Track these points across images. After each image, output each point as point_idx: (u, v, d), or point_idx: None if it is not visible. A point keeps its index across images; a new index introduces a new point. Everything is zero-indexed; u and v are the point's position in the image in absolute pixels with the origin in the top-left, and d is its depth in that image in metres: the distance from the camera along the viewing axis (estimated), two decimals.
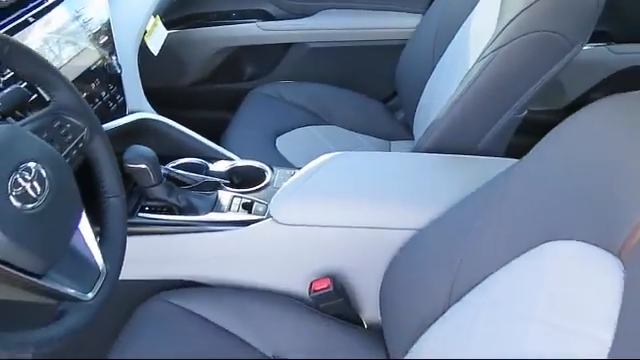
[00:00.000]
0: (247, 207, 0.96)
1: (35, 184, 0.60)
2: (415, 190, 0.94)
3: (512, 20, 0.92)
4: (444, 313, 0.79)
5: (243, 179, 1.04)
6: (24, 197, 0.59)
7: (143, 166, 0.89)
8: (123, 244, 0.74)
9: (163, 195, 0.94)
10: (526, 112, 1.02)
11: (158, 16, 1.31)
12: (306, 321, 0.95)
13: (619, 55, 1.46)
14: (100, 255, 0.70)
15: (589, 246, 0.62)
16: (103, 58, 1.00)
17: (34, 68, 0.67)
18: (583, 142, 0.67)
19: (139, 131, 1.03)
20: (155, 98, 1.13)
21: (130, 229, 0.80)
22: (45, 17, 0.90)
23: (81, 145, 0.71)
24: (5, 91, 0.73)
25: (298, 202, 0.93)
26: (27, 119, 0.67)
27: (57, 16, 0.93)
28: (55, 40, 0.91)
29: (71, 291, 0.64)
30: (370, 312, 0.99)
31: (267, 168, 1.05)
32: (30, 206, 0.59)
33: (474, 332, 0.73)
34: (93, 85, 0.96)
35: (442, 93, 1.13)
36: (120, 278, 0.75)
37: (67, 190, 0.65)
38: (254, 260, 0.97)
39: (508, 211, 0.75)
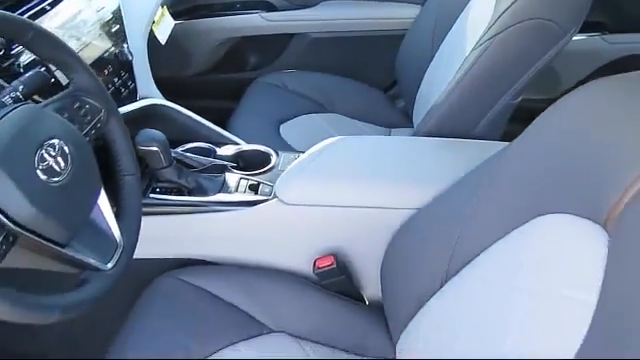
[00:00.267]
0: (253, 188, 1.00)
1: (59, 159, 0.64)
2: (414, 171, 0.98)
3: (507, 8, 0.96)
4: (442, 287, 0.83)
5: (249, 163, 1.07)
6: (49, 171, 0.63)
7: (154, 148, 0.93)
8: (139, 219, 0.78)
9: (173, 177, 0.98)
10: (521, 98, 1.06)
11: (166, 7, 1.35)
12: (310, 297, 0.99)
13: (613, 45, 1.49)
14: (118, 229, 0.74)
15: (577, 218, 0.66)
16: (115, 46, 1.04)
17: (55, 52, 0.71)
18: (570, 123, 0.71)
19: (149, 116, 1.07)
20: (161, 87, 1.17)
21: (142, 209, 0.85)
22: (60, 5, 0.94)
23: (99, 125, 0.75)
24: (27, 75, 0.77)
25: (302, 183, 0.98)
26: (49, 100, 0.71)
27: (72, 5, 0.97)
28: (70, 28, 0.95)
29: (92, 261, 0.68)
30: (371, 289, 1.03)
31: (272, 152, 1.09)
32: (55, 179, 0.63)
33: (470, 304, 0.77)
34: (106, 71, 1.00)
35: (441, 81, 1.17)
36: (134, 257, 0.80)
37: (87, 166, 0.69)
38: (260, 239, 1.01)
39: (501, 189, 0.79)
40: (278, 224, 0.99)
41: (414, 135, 1.13)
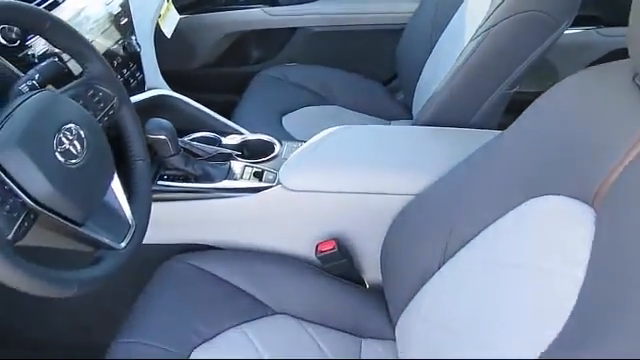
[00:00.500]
0: (258, 175, 1.04)
1: (76, 143, 0.68)
2: (413, 159, 1.02)
3: (503, 1, 1.00)
4: (440, 269, 0.87)
5: (253, 151, 1.11)
6: (67, 154, 0.67)
7: (162, 137, 0.96)
8: (149, 201, 0.82)
9: (180, 164, 1.01)
10: (517, 88, 1.09)
11: (171, 1, 1.38)
12: (312, 280, 1.02)
13: (608, 38, 1.53)
14: (130, 211, 0.78)
15: (567, 199, 0.69)
16: (123, 38, 1.07)
17: (71, 42, 0.75)
18: (559, 110, 0.75)
19: (157, 106, 1.10)
20: (166, 80, 1.20)
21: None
22: None
23: (111, 112, 0.79)
24: (42, 64, 0.80)
25: (305, 170, 1.01)
26: (64, 88, 0.75)
27: None
28: (80, 20, 0.98)
29: (106, 240, 0.72)
30: (372, 273, 1.07)
31: (276, 141, 1.12)
32: (72, 162, 0.67)
33: (466, 283, 0.81)
34: (115, 63, 1.03)
35: (440, 73, 1.20)
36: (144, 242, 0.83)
37: (102, 151, 0.73)
38: (264, 224, 1.04)
39: (496, 174, 0.83)
40: (281, 210, 1.02)
41: (413, 124, 1.16)
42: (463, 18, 1.21)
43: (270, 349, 0.91)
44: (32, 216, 0.63)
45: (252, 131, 1.20)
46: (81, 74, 0.79)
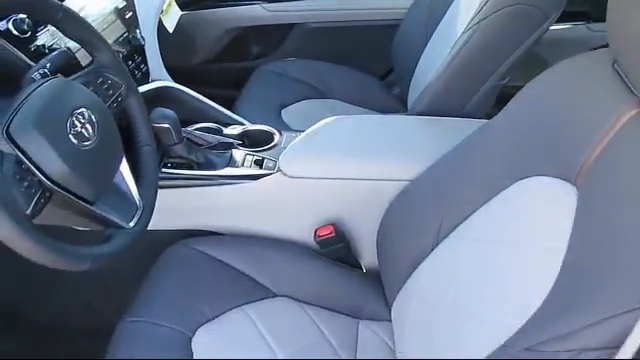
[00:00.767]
0: (258, 163, 1.08)
1: (87, 126, 0.72)
2: (408, 146, 1.06)
3: None
4: (433, 250, 0.91)
5: (254, 141, 1.14)
6: (80, 136, 0.71)
7: (166, 125, 1.00)
8: (156, 184, 0.86)
9: (184, 153, 1.05)
10: (507, 79, 1.13)
11: None
12: (311, 264, 1.06)
13: (597, 33, 1.57)
14: (137, 193, 0.82)
15: (550, 179, 0.74)
16: (128, 31, 1.11)
17: (81, 32, 0.79)
18: (544, 96, 0.79)
19: (161, 97, 1.14)
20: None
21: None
22: None
23: (120, 99, 0.83)
24: (53, 54, 0.84)
25: (304, 157, 1.05)
26: (75, 75, 0.79)
27: None
28: (87, 13, 1.02)
29: (115, 219, 0.76)
30: (368, 257, 1.11)
31: (275, 131, 1.16)
32: (85, 144, 0.71)
33: (458, 262, 0.85)
34: (120, 55, 1.07)
35: (434, 66, 1.24)
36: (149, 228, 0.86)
37: (112, 135, 0.77)
38: (265, 210, 1.08)
39: (486, 159, 0.87)
40: (281, 196, 1.06)
41: (408, 114, 1.20)
42: (456, 12, 1.25)
43: (271, 329, 0.95)
44: (47, 194, 0.67)
45: (252, 123, 1.24)
46: (90, 63, 0.82)
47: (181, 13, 1.50)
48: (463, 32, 1.09)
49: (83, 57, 0.93)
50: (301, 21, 1.75)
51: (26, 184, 0.63)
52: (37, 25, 0.91)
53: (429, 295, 0.88)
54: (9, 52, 0.85)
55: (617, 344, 0.50)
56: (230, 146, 1.12)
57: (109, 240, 0.74)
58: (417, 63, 1.41)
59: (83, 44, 0.81)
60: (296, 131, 1.16)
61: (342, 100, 1.56)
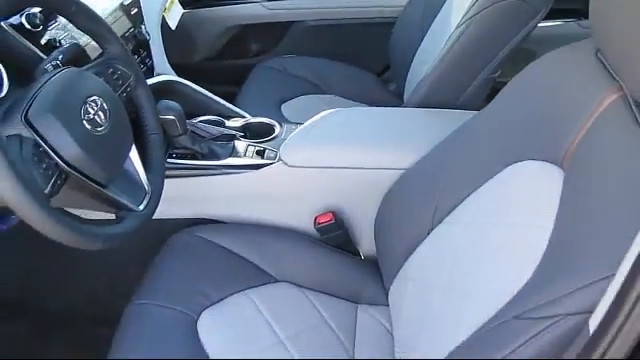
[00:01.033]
0: (260, 153, 1.12)
1: (100, 113, 0.76)
2: (404, 136, 1.10)
3: None
4: (428, 235, 0.95)
5: (255, 133, 1.18)
6: (93, 122, 0.74)
7: (171, 117, 1.03)
8: (163, 171, 0.90)
9: (188, 143, 1.09)
10: (499, 72, 1.18)
11: None
12: (311, 251, 1.10)
13: (587, 30, 1.60)
14: (146, 178, 0.86)
15: (539, 162, 0.78)
16: (134, 27, 1.15)
17: (93, 24, 0.83)
18: (532, 85, 0.83)
19: (165, 91, 1.18)
20: None
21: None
22: None
23: (129, 89, 0.86)
24: (64, 46, 0.88)
25: (304, 147, 1.09)
26: (87, 66, 0.83)
27: None
28: (95, 9, 1.06)
29: (126, 202, 0.80)
30: (366, 245, 1.15)
31: (276, 123, 1.20)
32: (98, 129, 0.75)
33: (452, 244, 0.89)
34: None
35: (429, 60, 1.28)
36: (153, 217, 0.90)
37: (122, 122, 0.81)
38: (266, 198, 1.12)
39: (477, 146, 0.91)
40: (282, 185, 1.10)
41: (405, 106, 1.24)
42: (450, 9, 1.29)
43: (273, 312, 0.99)
44: (63, 176, 0.71)
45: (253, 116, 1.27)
46: (100, 55, 0.86)
47: (183, 11, 1.54)
48: (457, 27, 1.14)
49: (92, 51, 0.98)
50: (300, 19, 1.79)
51: (44, 166, 0.67)
52: (48, 19, 0.95)
53: (424, 277, 0.91)
54: (22, 45, 0.90)
55: (594, 308, 0.54)
56: (232, 137, 1.15)
57: (120, 221, 0.78)
58: (413, 59, 1.45)
59: (94, 36, 0.84)
60: (296, 123, 1.20)
61: (340, 96, 1.60)
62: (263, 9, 1.78)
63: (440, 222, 0.93)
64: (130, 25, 1.14)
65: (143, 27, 1.17)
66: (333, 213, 1.09)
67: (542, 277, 0.66)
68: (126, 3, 1.15)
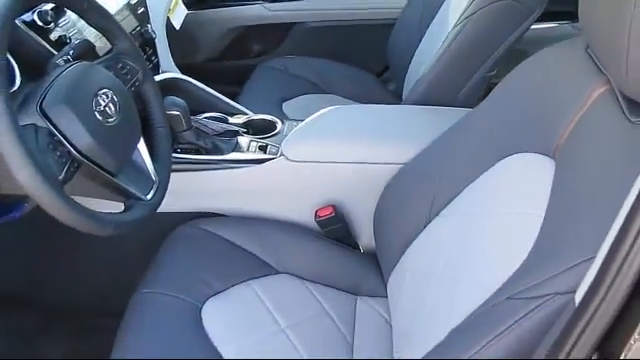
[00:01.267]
0: (262, 149, 1.15)
1: (110, 105, 0.79)
2: (402, 132, 1.14)
3: None
4: (425, 228, 0.98)
5: (257, 129, 1.21)
6: (104, 113, 0.78)
7: (177, 113, 1.06)
8: (169, 162, 0.93)
9: (192, 139, 1.12)
10: (495, 71, 1.21)
11: None
12: (312, 244, 1.13)
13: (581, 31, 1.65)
14: (153, 169, 0.89)
15: (532, 154, 0.81)
16: (140, 25, 1.19)
17: (103, 21, 0.86)
18: (524, 82, 0.87)
19: (170, 88, 1.21)
20: None
21: None
22: None
23: (137, 83, 0.90)
24: (75, 42, 0.91)
25: (306, 142, 1.12)
26: (97, 61, 0.86)
27: None
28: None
29: (134, 191, 0.83)
30: (365, 239, 1.17)
31: (278, 120, 1.23)
32: (109, 121, 0.78)
33: (448, 235, 0.92)
34: None
35: (427, 61, 1.32)
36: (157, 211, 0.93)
37: (131, 114, 0.84)
38: (268, 192, 1.15)
39: (473, 141, 0.94)
40: (284, 179, 1.13)
41: (403, 104, 1.27)
42: (447, 10, 1.33)
43: (275, 302, 1.01)
44: (76, 164, 0.74)
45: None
46: (110, 50, 0.90)
47: (187, 12, 1.57)
48: (454, 27, 1.17)
49: (100, 47, 1.01)
50: (301, 20, 1.83)
51: (58, 153, 0.70)
52: (58, 17, 0.98)
53: (421, 268, 0.94)
54: (34, 41, 0.93)
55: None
56: (236, 133, 1.18)
57: (129, 210, 0.81)
58: (411, 60, 1.49)
59: (104, 32, 0.88)
60: (297, 120, 1.23)
61: (340, 95, 1.64)
62: (265, 10, 1.82)
63: (437, 215, 0.96)
64: (137, 24, 1.18)
65: (149, 26, 1.20)
66: (333, 207, 1.12)
67: (534, 261, 0.69)
68: (133, 2, 1.18)
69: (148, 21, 1.22)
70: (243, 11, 1.83)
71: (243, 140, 1.17)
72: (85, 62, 0.82)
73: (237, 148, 1.15)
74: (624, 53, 0.61)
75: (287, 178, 1.13)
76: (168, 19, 1.44)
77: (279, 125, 1.21)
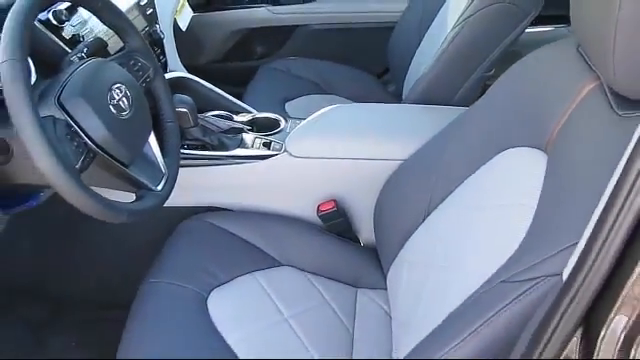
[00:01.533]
0: (266, 145, 1.18)
1: (124, 99, 0.83)
2: (402, 129, 1.17)
3: None
4: (423, 221, 1.01)
5: (261, 127, 1.25)
6: (118, 107, 0.81)
7: (184, 110, 1.10)
8: (178, 156, 0.97)
9: (199, 135, 1.15)
10: (492, 72, 1.25)
11: None
12: (314, 238, 1.16)
13: None
14: (163, 162, 0.92)
15: (526, 148, 0.85)
16: (149, 26, 1.23)
17: (116, 19, 0.90)
18: (518, 80, 0.90)
19: (178, 86, 1.25)
20: None
21: None
22: None
23: (148, 80, 0.94)
24: (88, 40, 0.95)
25: (309, 139, 1.16)
26: (111, 57, 0.90)
27: None
28: None
29: (146, 182, 0.86)
30: (366, 233, 1.21)
31: (281, 118, 1.27)
32: (122, 114, 0.82)
33: (444, 227, 0.95)
34: None
35: (426, 60, 1.36)
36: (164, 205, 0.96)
37: (143, 108, 0.88)
38: (272, 187, 1.19)
39: (470, 137, 0.98)
40: (287, 174, 1.17)
41: (403, 102, 1.31)
42: (445, 13, 1.37)
43: (278, 292, 1.05)
44: (91, 154, 0.77)
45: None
46: (122, 48, 0.94)
47: (193, 14, 1.61)
48: (452, 28, 1.21)
49: (112, 46, 1.05)
50: (303, 23, 1.88)
51: (75, 144, 0.74)
52: (71, 16, 1.02)
53: (419, 260, 0.97)
54: (49, 39, 0.97)
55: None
56: (240, 131, 1.22)
57: (141, 199, 0.85)
58: (411, 62, 1.53)
59: (117, 30, 0.92)
60: (300, 119, 1.27)
61: (341, 96, 1.67)
62: (268, 13, 1.86)
63: (435, 209, 1.00)
64: (145, 24, 1.22)
65: (157, 26, 1.24)
66: (335, 201, 1.16)
67: (526, 247, 0.73)
68: (142, 3, 1.22)
69: (156, 22, 1.26)
70: (247, 14, 1.87)
71: (248, 137, 1.20)
72: (99, 59, 0.86)
73: (242, 144, 1.18)
74: (611, 51, 0.65)
75: (290, 173, 1.16)
76: (175, 21, 1.48)
77: (282, 123, 1.25)
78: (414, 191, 1.04)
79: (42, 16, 0.97)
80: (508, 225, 0.80)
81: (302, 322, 1.01)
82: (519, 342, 0.60)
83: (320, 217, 1.17)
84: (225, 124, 1.22)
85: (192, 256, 1.08)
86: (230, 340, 0.95)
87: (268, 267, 1.10)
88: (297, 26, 1.89)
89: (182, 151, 1.15)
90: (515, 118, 0.88)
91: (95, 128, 0.77)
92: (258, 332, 0.97)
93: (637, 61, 0.63)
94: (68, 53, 0.93)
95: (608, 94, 0.71)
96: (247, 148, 1.18)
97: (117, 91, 0.82)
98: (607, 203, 0.52)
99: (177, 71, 1.28)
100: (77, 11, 1.04)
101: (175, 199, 0.98)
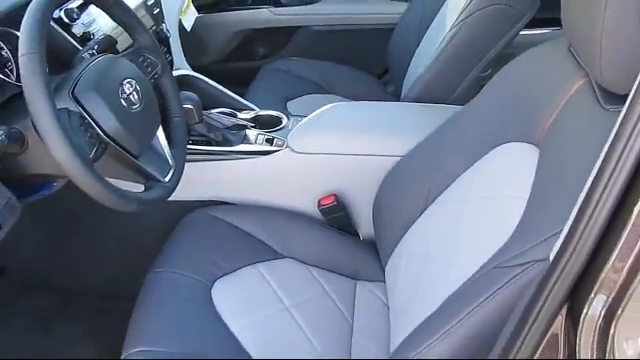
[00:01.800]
0: (269, 141, 1.22)
1: (134, 93, 0.87)
2: (401, 127, 1.21)
3: None
4: (421, 215, 1.05)
5: (264, 124, 1.28)
6: (129, 101, 0.85)
7: (190, 106, 1.14)
8: (185, 149, 1.00)
9: (204, 131, 1.19)
10: (489, 72, 1.29)
11: None
12: (315, 231, 1.20)
13: None
14: (170, 155, 0.96)
15: (519, 143, 0.88)
16: (156, 25, 1.26)
17: (126, 17, 0.94)
18: (512, 79, 0.94)
19: (183, 84, 1.28)
20: None
21: None
22: None
23: (156, 76, 0.97)
24: (99, 37, 0.99)
25: (310, 135, 1.19)
26: (121, 53, 0.93)
27: None
28: None
29: (154, 173, 0.90)
30: (365, 227, 1.24)
31: (284, 116, 1.30)
32: (133, 107, 0.85)
33: (441, 220, 0.99)
34: None
35: (425, 60, 1.39)
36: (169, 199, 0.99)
37: (152, 103, 0.91)
38: (274, 182, 1.22)
39: (466, 133, 1.01)
40: (289, 169, 1.20)
41: (402, 101, 1.35)
42: (444, 15, 1.41)
43: (280, 283, 1.08)
44: (104, 145, 0.81)
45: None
46: (131, 45, 0.97)
47: (197, 15, 1.65)
48: (450, 29, 1.25)
49: (121, 44, 1.08)
50: (305, 24, 1.92)
51: (89, 135, 0.78)
52: (81, 13, 1.05)
53: (416, 252, 1.01)
54: (61, 36, 1.00)
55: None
56: (244, 127, 1.26)
57: (149, 190, 0.88)
58: (410, 63, 1.56)
59: (126, 27, 0.95)
60: (302, 116, 1.30)
61: (342, 95, 1.71)
62: (271, 15, 1.90)
63: (432, 203, 1.03)
64: (152, 23, 1.25)
65: (164, 25, 1.28)
66: (335, 196, 1.19)
67: (518, 236, 0.76)
68: (149, 3, 1.26)
69: (163, 21, 1.29)
70: (250, 15, 1.91)
71: (251, 133, 1.24)
72: (110, 55, 0.89)
73: (245, 140, 1.22)
74: (598, 48, 0.69)
75: (292, 169, 1.20)
76: (180, 21, 1.52)
77: (285, 120, 1.29)
78: (412, 186, 1.08)
79: (54, 14, 1.00)
80: (502, 216, 0.83)
81: (303, 312, 1.04)
82: (509, 320, 0.64)
83: (320, 211, 1.20)
84: (229, 121, 1.26)
85: (197, 247, 1.12)
86: (234, 328, 0.98)
87: (270, 259, 1.13)
88: (299, 27, 1.93)
89: (187, 146, 1.19)
90: (509, 115, 0.92)
91: (107, 120, 0.80)
92: (261, 320, 1.01)
93: (623, 57, 0.67)
94: (79, 50, 0.97)
95: (596, 90, 0.75)
96: (250, 144, 1.21)
97: (128, 85, 0.86)
98: (588, 190, 0.55)
99: (183, 69, 1.31)
100: (87, 9, 1.08)
101: (180, 193, 1.01)
